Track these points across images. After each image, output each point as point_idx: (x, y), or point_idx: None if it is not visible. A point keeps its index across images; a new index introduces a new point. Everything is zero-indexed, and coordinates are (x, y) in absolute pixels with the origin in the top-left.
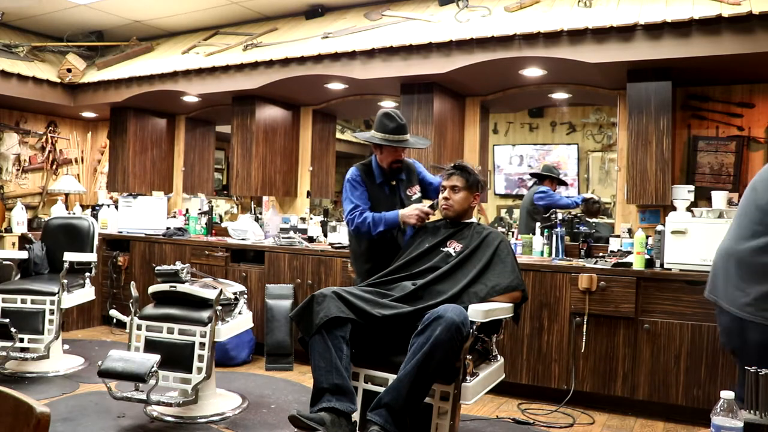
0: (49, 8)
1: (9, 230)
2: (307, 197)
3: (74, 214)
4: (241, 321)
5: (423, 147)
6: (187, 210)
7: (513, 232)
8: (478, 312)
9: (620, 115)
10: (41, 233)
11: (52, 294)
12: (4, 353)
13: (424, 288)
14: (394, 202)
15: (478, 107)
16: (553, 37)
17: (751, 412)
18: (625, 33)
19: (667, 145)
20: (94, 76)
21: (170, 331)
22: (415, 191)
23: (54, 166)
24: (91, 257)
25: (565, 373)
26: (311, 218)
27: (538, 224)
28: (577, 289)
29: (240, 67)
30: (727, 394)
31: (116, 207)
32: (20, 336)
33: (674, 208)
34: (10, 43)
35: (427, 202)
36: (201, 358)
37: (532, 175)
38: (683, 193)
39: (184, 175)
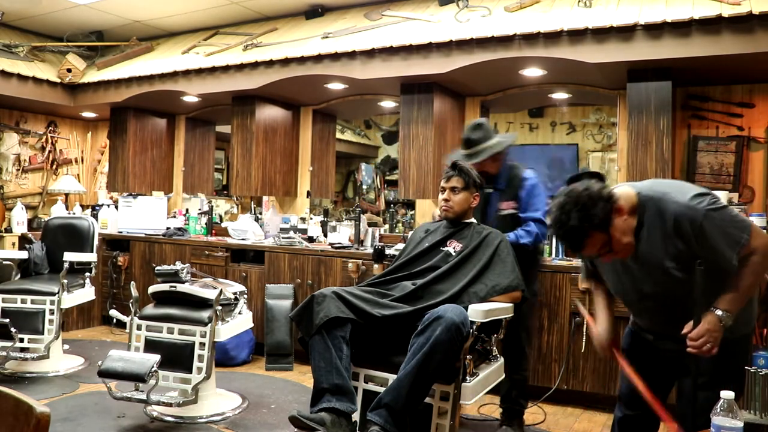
0: (49, 8)
1: (9, 230)
2: (307, 197)
3: (74, 214)
4: (241, 321)
5: (481, 158)
6: (187, 210)
7: None
8: (478, 312)
9: (620, 115)
10: (41, 233)
11: (52, 294)
12: (4, 353)
13: (424, 288)
14: (481, 210)
15: (478, 107)
16: (553, 37)
17: (751, 412)
18: (625, 33)
19: (667, 145)
20: (94, 76)
21: (170, 331)
22: (510, 207)
23: (54, 166)
24: (91, 257)
25: (565, 373)
26: (311, 218)
27: None
28: (577, 289)
29: (240, 67)
30: (727, 394)
31: (116, 207)
32: (20, 336)
33: None
34: (10, 43)
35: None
36: (201, 358)
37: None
38: None
39: (184, 175)
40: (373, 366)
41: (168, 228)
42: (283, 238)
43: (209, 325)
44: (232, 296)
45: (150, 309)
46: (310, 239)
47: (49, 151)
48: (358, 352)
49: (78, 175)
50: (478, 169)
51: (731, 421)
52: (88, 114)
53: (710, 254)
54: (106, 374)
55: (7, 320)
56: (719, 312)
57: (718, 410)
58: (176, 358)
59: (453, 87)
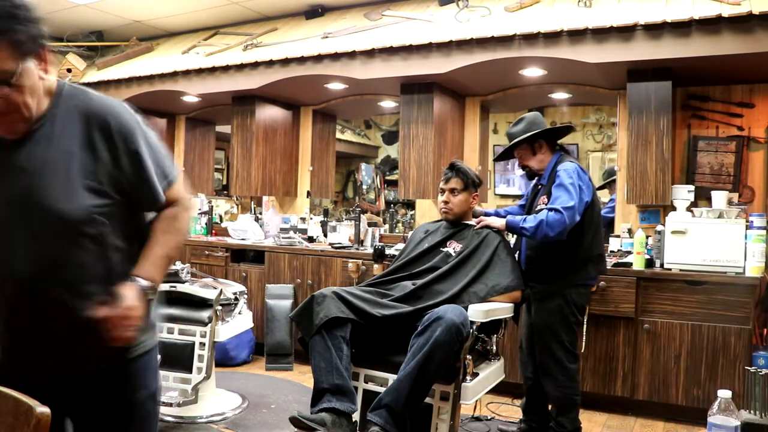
0: (49, 8)
1: None
2: (307, 197)
3: None
4: (241, 321)
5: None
6: None
7: None
8: (478, 312)
9: (620, 115)
10: None
11: None
12: None
13: (423, 288)
14: (528, 207)
15: (478, 107)
16: (553, 37)
17: (750, 411)
18: (625, 33)
19: (667, 145)
20: (94, 76)
21: (170, 331)
22: (542, 202)
23: None
24: None
25: None
26: (311, 218)
27: None
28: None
29: (240, 67)
30: (724, 393)
31: None
32: None
33: (674, 208)
34: None
35: None
36: (201, 358)
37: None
38: (683, 193)
39: (184, 175)
40: (373, 366)
41: None
42: (283, 238)
43: (209, 325)
44: (232, 296)
45: None
46: (310, 239)
47: None
48: (358, 352)
49: None
50: (521, 163)
51: (728, 420)
52: None
53: (136, 179)
54: None
55: None
56: (144, 283)
57: (715, 410)
58: (176, 358)
59: (453, 87)
